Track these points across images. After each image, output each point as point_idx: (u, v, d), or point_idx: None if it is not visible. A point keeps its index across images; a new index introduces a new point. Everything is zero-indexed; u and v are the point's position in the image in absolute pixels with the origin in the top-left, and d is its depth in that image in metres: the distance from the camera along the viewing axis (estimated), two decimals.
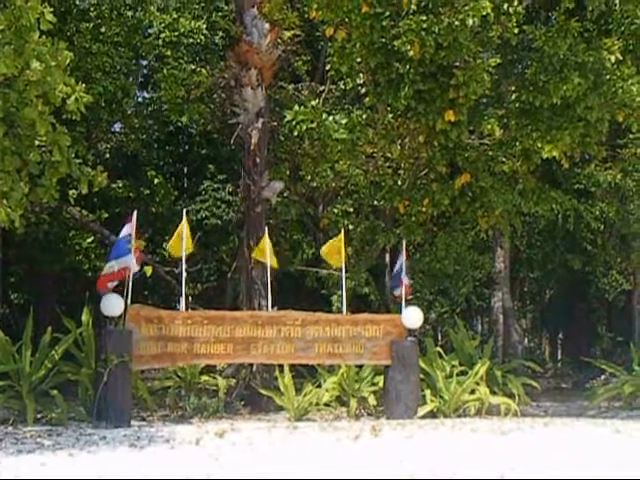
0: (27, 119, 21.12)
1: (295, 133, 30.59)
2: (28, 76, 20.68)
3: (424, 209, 29.79)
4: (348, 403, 27.35)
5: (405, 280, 27.92)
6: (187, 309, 26.78)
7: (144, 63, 37.39)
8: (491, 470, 16.82)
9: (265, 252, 27.66)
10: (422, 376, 27.12)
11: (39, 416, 24.04)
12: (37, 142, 21.77)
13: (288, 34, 32.57)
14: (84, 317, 25.64)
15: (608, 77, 27.32)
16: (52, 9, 21.76)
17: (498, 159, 28.94)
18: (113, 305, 24.12)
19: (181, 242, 26.38)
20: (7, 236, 26.51)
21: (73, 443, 20.34)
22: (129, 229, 24.97)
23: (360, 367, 27.80)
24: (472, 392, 27.33)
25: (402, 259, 27.92)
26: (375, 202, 31.94)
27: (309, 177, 32.95)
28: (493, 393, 27.71)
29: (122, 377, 23.83)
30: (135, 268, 24.95)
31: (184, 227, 26.50)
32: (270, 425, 24.26)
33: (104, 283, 24.75)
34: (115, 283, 24.81)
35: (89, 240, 34.50)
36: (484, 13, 25.74)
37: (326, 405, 27.18)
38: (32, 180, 22.24)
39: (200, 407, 26.44)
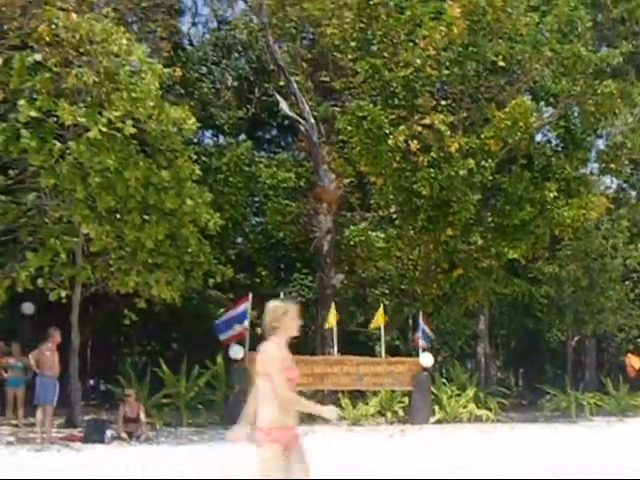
0: (183, 236, 21.45)
1: (351, 243, 30.69)
2: (184, 209, 20.99)
3: (433, 291, 29.75)
4: (386, 414, 27.12)
5: (418, 336, 27.89)
6: None
7: (256, 199, 37.58)
8: (481, 455, 16.82)
9: (331, 320, 27.62)
10: (433, 397, 26.91)
11: (189, 422, 24.03)
12: (189, 250, 22.02)
13: (346, 181, 32.73)
14: (219, 359, 25.72)
15: (549, 207, 27.45)
16: (199, 166, 22.15)
17: (480, 259, 28.85)
18: (237, 352, 24.39)
19: None
20: (170, 309, 26.63)
21: (211, 439, 20.38)
22: (246, 305, 25.22)
23: (393, 392, 27.56)
24: (465, 407, 27.10)
25: (421, 323, 27.77)
26: (402, 286, 31.82)
27: (360, 271, 32.93)
28: (478, 407, 27.46)
29: (242, 398, 23.80)
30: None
31: None
32: (336, 429, 24.10)
33: (230, 340, 25.00)
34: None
35: (221, 310, 34.58)
36: (470, 167, 26.01)
37: (371, 416, 26.94)
38: (186, 273, 22.50)
39: None
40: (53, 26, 19.70)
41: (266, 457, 7.51)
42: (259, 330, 26.98)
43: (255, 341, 26.58)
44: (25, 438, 19.31)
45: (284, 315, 7.75)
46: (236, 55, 39.17)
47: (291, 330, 7.86)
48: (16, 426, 21.84)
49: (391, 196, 28.79)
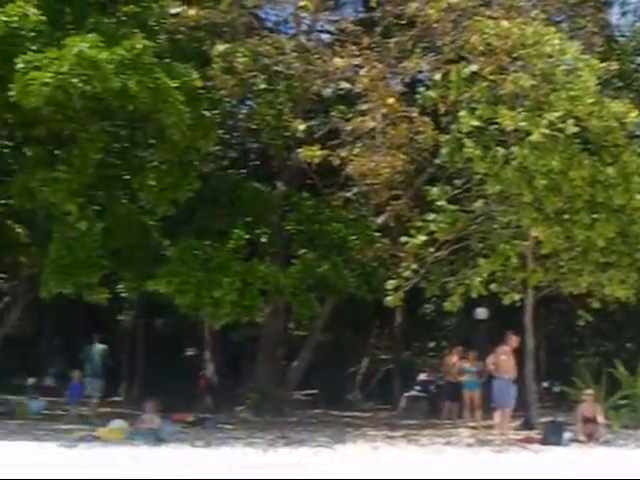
0: (634, 232, 20.95)
1: None
2: (632, 204, 20.56)
3: None
4: None
5: None
6: None
7: None
8: None
9: None
10: None
11: None
12: None
13: None
14: None
15: None
16: None
17: None
18: None
19: None
20: (624, 307, 25.61)
21: None
22: None
23: None
24: None
25: None
26: None
27: None
28: None
29: None
30: None
31: None
32: None
33: None
34: None
35: None
36: None
37: None
38: (639, 270, 21.80)
39: None
40: (485, 35, 20.39)
41: None
42: None
43: None
44: (484, 440, 19.75)
45: None
46: None
47: None
48: (474, 428, 22.51)
49: None
